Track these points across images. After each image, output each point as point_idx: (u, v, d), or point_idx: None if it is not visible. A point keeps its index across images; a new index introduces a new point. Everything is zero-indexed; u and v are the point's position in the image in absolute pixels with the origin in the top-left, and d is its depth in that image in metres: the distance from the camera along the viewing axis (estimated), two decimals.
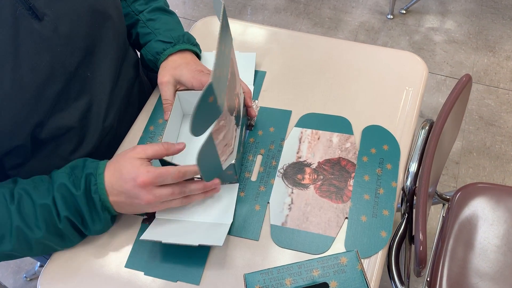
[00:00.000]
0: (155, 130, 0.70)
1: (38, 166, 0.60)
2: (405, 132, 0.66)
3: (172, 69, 0.66)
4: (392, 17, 1.89)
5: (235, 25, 0.84)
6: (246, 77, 0.74)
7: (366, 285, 0.44)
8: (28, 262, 1.38)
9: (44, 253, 0.56)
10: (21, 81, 0.50)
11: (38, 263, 1.34)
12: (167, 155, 0.55)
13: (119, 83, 0.68)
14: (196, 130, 0.43)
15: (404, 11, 1.90)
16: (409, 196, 0.65)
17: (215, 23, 0.85)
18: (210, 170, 0.51)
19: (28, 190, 0.53)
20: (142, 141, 0.69)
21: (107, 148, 0.69)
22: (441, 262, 0.82)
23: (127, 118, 0.72)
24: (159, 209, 0.55)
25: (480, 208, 0.88)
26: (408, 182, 0.65)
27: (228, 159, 0.57)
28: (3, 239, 0.50)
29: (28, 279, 1.36)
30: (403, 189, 0.63)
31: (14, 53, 0.49)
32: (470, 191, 0.91)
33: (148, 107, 0.74)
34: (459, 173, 1.47)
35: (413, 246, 0.72)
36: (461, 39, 1.81)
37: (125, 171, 0.52)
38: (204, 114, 0.44)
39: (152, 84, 0.83)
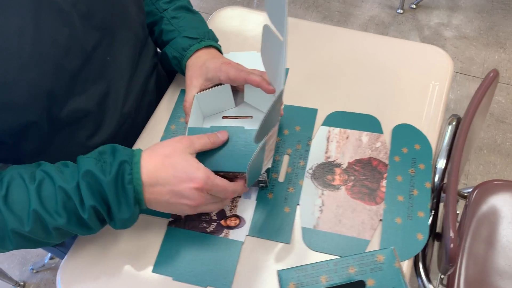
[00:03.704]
0: (176, 129, 0.68)
1: (56, 153, 0.58)
2: (432, 128, 0.64)
3: (198, 68, 0.64)
4: (402, 11, 1.87)
5: (251, 15, 0.81)
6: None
7: (404, 283, 0.43)
8: (35, 254, 1.37)
9: (61, 240, 0.53)
10: (40, 52, 0.49)
11: (49, 255, 1.32)
12: (213, 148, 0.54)
13: (137, 71, 0.68)
14: (261, 137, 0.42)
15: (414, 6, 1.88)
16: (436, 193, 0.63)
17: (231, 16, 0.82)
18: (254, 176, 0.50)
19: (50, 172, 0.49)
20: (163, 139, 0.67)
21: (124, 137, 0.67)
22: (459, 259, 0.81)
23: (144, 107, 0.71)
24: (197, 212, 0.53)
25: (499, 206, 0.87)
26: (436, 179, 0.64)
27: (267, 164, 0.55)
28: (22, 221, 0.47)
29: (34, 271, 1.34)
30: None
31: (34, 23, 0.48)
32: (487, 188, 0.90)
33: (166, 99, 0.72)
34: (470, 170, 1.46)
35: (435, 243, 0.71)
36: (472, 35, 1.79)
37: (181, 168, 0.50)
38: (271, 120, 0.43)
39: (169, 77, 0.81)
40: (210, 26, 0.81)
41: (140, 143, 0.68)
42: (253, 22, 0.81)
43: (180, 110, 0.70)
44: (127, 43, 0.64)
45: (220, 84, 0.65)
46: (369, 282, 0.43)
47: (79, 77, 0.56)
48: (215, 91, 0.65)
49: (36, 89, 0.51)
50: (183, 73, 0.69)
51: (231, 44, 0.76)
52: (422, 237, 0.55)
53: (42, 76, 0.50)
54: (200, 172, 0.50)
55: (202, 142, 0.53)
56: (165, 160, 0.50)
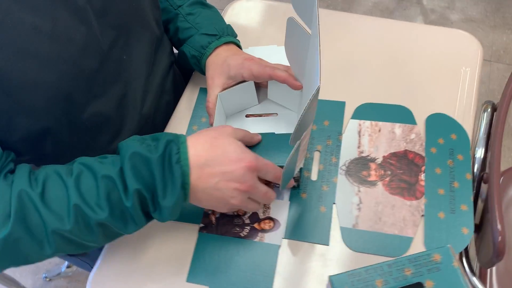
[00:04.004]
0: (199, 130, 0.65)
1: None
2: (467, 116, 0.62)
3: (219, 66, 0.61)
4: None
5: (267, 7, 0.78)
6: None
7: (464, 283, 0.40)
8: (47, 262, 1.34)
9: (103, 241, 0.49)
10: (58, 51, 0.46)
11: (66, 263, 1.29)
12: (249, 144, 0.52)
13: (154, 70, 0.65)
14: (297, 139, 0.40)
15: None
16: (476, 184, 0.61)
17: (246, 8, 0.79)
18: (288, 178, 0.47)
19: (89, 164, 0.46)
20: None
21: None
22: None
23: (163, 107, 0.68)
24: (241, 206, 0.50)
25: None
26: (475, 169, 0.61)
27: (299, 164, 0.53)
28: (62, 219, 0.43)
29: (48, 279, 1.31)
30: None
31: (50, 21, 0.45)
32: None
33: (185, 99, 0.69)
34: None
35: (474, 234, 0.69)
36: (478, 18, 1.76)
37: (230, 149, 0.47)
38: (307, 120, 0.40)
39: (184, 75, 0.78)
40: (231, 7, 0.78)
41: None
42: (270, 14, 0.78)
43: (201, 110, 0.67)
44: (143, 41, 0.61)
45: (243, 81, 0.62)
46: (428, 284, 0.40)
47: (97, 79, 0.53)
48: (238, 89, 0.62)
49: (55, 92, 0.48)
50: (202, 72, 0.66)
51: (247, 38, 0.73)
52: (467, 231, 0.53)
53: (61, 78, 0.48)
54: (249, 153, 0.48)
55: (243, 133, 0.52)
56: (213, 141, 0.48)
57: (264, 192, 0.50)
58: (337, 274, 0.42)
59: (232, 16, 0.79)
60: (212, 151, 0.48)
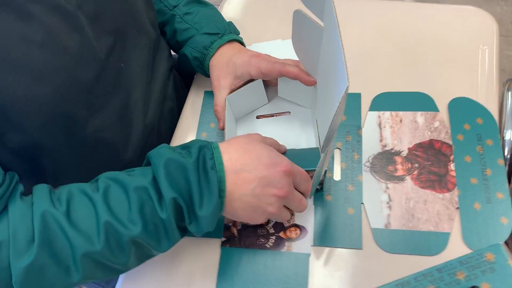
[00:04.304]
0: (209, 137, 0.61)
1: (80, 177, 0.51)
2: (491, 98, 0.58)
3: (225, 65, 0.57)
4: None
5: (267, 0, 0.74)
6: None
7: None
8: None
9: (134, 263, 0.45)
10: (52, 62, 0.42)
11: None
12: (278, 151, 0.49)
13: (154, 76, 0.61)
14: (326, 146, 0.37)
15: None
16: (508, 168, 0.58)
17: (243, 2, 0.74)
18: (315, 184, 0.44)
19: (116, 177, 0.42)
20: None
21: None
22: None
23: (166, 115, 0.65)
24: (274, 216, 0.47)
25: None
26: (506, 152, 0.58)
27: (325, 167, 0.49)
28: (91, 240, 0.40)
29: None
30: None
31: (41, 29, 0.41)
32: None
33: (189, 104, 0.65)
34: None
35: None
36: None
37: (264, 154, 0.45)
38: (335, 126, 0.37)
39: (184, 79, 0.74)
40: (227, 4, 0.74)
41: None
42: (270, 6, 0.74)
43: (208, 115, 0.63)
44: (140, 45, 0.57)
45: (250, 80, 0.58)
46: (484, 287, 0.37)
47: (96, 90, 0.49)
48: (247, 90, 0.58)
49: (50, 107, 0.44)
50: (205, 74, 0.62)
51: (248, 34, 0.69)
52: (506, 221, 0.49)
53: (55, 91, 0.43)
54: (283, 157, 0.46)
55: (270, 141, 0.50)
56: (245, 146, 0.46)
57: (299, 199, 0.47)
58: (384, 285, 0.39)
59: (229, 11, 0.75)
60: (247, 156, 0.45)
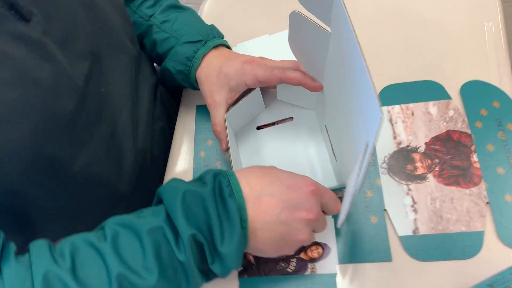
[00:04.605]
0: (207, 155, 0.56)
1: (73, 219, 0.48)
2: (504, 78, 0.54)
3: (215, 78, 0.52)
4: None
5: None
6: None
7: None
8: None
9: None
10: (24, 97, 0.37)
11: None
12: None
13: (139, 95, 0.55)
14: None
15: None
16: None
17: (222, 1, 0.69)
18: (346, 209, 0.39)
19: (124, 222, 0.38)
20: (197, 172, 0.55)
21: (148, 177, 0.56)
22: None
23: (158, 136, 0.60)
24: (303, 244, 0.41)
25: None
26: None
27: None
28: None
29: None
30: None
31: (7, 64, 0.36)
32: None
33: (181, 122, 0.60)
34: None
35: None
36: None
37: (285, 175, 0.41)
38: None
39: (172, 93, 0.69)
40: (208, 3, 0.68)
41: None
42: (251, 2, 0.68)
43: (203, 132, 0.58)
44: (120, 65, 0.52)
45: (247, 89, 0.53)
46: None
47: (78, 123, 0.44)
48: (245, 104, 0.53)
49: (29, 150, 0.38)
50: (193, 87, 0.57)
51: (234, 35, 0.63)
52: None
53: (33, 132, 0.38)
54: (306, 176, 0.42)
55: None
56: (263, 170, 0.42)
57: (325, 220, 0.43)
58: None
59: (208, 12, 0.69)
60: (266, 179, 0.40)
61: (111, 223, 0.38)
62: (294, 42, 0.48)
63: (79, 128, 0.44)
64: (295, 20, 0.43)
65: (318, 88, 0.48)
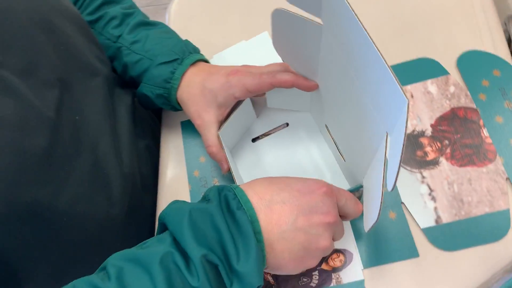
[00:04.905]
0: (202, 174, 0.52)
1: (68, 258, 0.43)
2: (499, 43, 0.52)
3: (200, 97, 0.47)
4: None
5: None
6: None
7: None
8: None
9: None
10: None
11: None
12: None
13: (117, 116, 0.51)
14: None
15: None
16: None
17: (192, 5, 0.64)
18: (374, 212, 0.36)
19: (127, 256, 0.34)
20: (194, 194, 0.51)
21: (141, 201, 0.51)
22: None
23: (143, 155, 0.55)
24: (327, 251, 0.38)
25: None
26: None
27: None
28: None
29: None
30: None
31: None
32: None
33: (167, 139, 0.56)
34: None
35: None
36: None
37: (293, 181, 0.38)
38: None
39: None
40: (174, 18, 0.64)
41: (164, 203, 0.51)
42: (217, 9, 0.64)
43: (193, 149, 0.54)
44: (91, 88, 0.47)
45: (236, 102, 0.49)
46: None
47: (55, 158, 0.39)
48: (236, 117, 0.49)
49: (1, 197, 0.34)
50: (175, 109, 0.52)
51: (207, 46, 0.58)
52: None
53: (3, 176, 0.34)
54: (316, 179, 0.39)
55: None
56: (269, 179, 0.38)
57: (342, 224, 0.40)
58: None
59: (176, 21, 0.64)
60: (274, 186, 0.37)
61: (113, 260, 0.34)
62: (279, 42, 0.44)
63: (56, 164, 0.39)
64: (279, 18, 0.40)
65: (314, 87, 0.44)
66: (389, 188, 0.31)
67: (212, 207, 0.34)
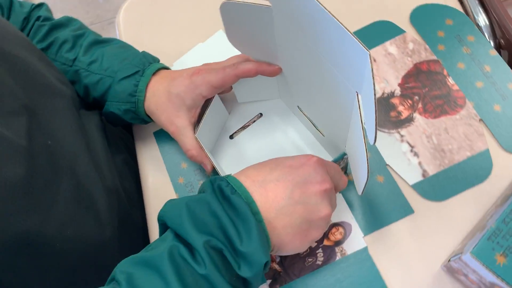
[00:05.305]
0: (188, 180, 0.51)
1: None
2: None
3: (167, 103, 0.47)
4: None
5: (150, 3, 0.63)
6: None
7: None
8: None
9: None
10: None
11: None
12: None
13: (89, 133, 0.50)
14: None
15: None
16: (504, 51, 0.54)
17: (136, 16, 0.63)
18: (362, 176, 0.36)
19: (135, 260, 0.34)
20: None
21: (130, 216, 0.51)
22: None
23: (123, 169, 0.54)
24: (329, 219, 0.38)
25: None
26: (488, 37, 0.54)
27: None
28: None
29: None
30: None
31: None
32: None
33: (143, 151, 0.54)
34: None
35: None
36: None
37: (282, 159, 0.38)
38: None
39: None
40: (125, 32, 0.62)
41: (154, 214, 0.50)
42: (166, 15, 0.63)
43: (172, 157, 0.53)
44: (57, 110, 0.46)
45: (205, 101, 0.48)
46: None
47: (34, 186, 0.38)
48: (210, 116, 0.48)
49: None
50: (144, 122, 0.51)
51: (165, 55, 0.58)
52: None
53: None
54: (304, 154, 0.39)
55: None
56: (261, 163, 0.39)
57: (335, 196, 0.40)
58: (475, 247, 0.33)
59: (127, 24, 0.63)
60: (265, 167, 0.38)
61: (121, 268, 0.33)
62: (233, 35, 0.43)
63: (38, 190, 0.38)
64: (228, 11, 0.39)
65: (277, 71, 0.44)
66: (371, 141, 0.32)
67: (208, 196, 0.35)
